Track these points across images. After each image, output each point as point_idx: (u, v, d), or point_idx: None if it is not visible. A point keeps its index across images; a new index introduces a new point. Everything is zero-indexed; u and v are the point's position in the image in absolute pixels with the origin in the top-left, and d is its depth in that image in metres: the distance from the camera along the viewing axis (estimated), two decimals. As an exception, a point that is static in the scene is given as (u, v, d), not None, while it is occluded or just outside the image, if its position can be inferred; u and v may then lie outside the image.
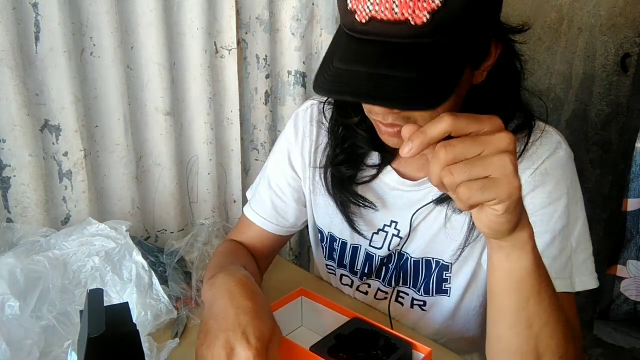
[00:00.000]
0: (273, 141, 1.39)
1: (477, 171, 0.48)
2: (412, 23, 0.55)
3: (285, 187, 0.96)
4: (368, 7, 0.56)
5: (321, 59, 0.62)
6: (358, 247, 0.93)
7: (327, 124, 0.89)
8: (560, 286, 0.72)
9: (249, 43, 1.31)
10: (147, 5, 1.07)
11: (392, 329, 0.75)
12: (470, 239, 0.81)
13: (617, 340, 2.11)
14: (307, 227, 1.01)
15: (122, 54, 1.06)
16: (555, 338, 0.61)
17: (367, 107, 0.70)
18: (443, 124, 0.48)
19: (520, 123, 0.77)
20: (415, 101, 0.55)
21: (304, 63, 1.37)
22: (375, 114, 0.67)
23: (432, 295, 0.89)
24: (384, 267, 0.92)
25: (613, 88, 2.05)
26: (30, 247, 0.92)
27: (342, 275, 0.99)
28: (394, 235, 0.88)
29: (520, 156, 0.76)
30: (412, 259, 0.88)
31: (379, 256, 0.91)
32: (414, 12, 0.54)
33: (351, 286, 0.99)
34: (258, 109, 1.38)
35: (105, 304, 0.55)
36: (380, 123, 0.69)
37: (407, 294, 0.92)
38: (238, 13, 1.24)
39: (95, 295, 0.55)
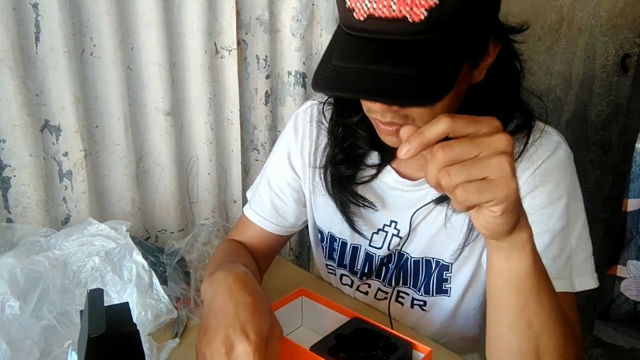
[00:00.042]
0: (273, 141, 1.39)
1: (474, 172, 0.48)
2: (410, 20, 0.55)
3: (285, 187, 0.96)
4: (366, 5, 0.57)
5: (321, 59, 0.62)
6: (358, 247, 0.93)
7: (327, 124, 0.89)
8: (560, 286, 0.72)
9: (249, 43, 1.31)
10: (147, 5, 1.07)
11: (392, 328, 0.75)
12: (470, 239, 0.82)
13: (617, 340, 2.11)
14: (306, 227, 1.01)
15: (122, 54, 1.06)
16: (555, 338, 0.61)
17: (365, 105, 0.70)
18: (441, 125, 0.48)
19: (520, 123, 0.77)
20: (413, 97, 0.56)
21: (303, 63, 1.37)
22: (374, 112, 0.67)
23: (432, 295, 0.89)
24: (384, 267, 0.92)
25: (613, 88, 2.05)
26: (30, 247, 0.92)
27: (342, 275, 0.99)
28: (393, 234, 0.88)
29: (519, 156, 0.76)
30: (412, 259, 0.88)
31: (379, 256, 0.91)
32: (411, 9, 0.55)
33: (351, 286, 0.99)
34: (258, 109, 1.38)
35: (105, 304, 0.55)
36: (378, 121, 0.69)
37: (407, 294, 0.92)
38: (238, 13, 1.24)
39: (95, 295, 0.55)
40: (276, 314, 0.69)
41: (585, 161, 2.15)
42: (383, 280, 0.93)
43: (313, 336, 0.81)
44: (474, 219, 0.53)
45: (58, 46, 0.97)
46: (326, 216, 0.94)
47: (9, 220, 1.02)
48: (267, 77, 1.35)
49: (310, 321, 0.86)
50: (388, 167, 0.86)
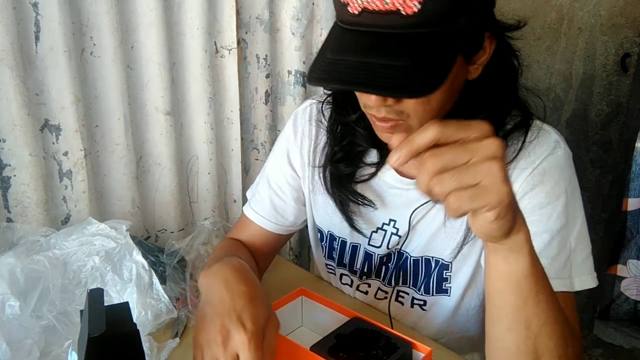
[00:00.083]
0: (273, 141, 1.39)
1: (466, 179, 0.48)
2: (403, 13, 0.56)
3: (285, 186, 0.96)
4: None
5: (320, 58, 0.62)
6: (357, 246, 0.93)
7: (326, 123, 0.89)
8: (559, 285, 0.72)
9: (249, 43, 1.31)
10: (147, 5, 1.07)
11: (392, 328, 0.75)
12: (469, 237, 0.82)
13: (617, 340, 2.11)
14: (306, 226, 1.01)
15: (122, 54, 1.06)
16: (554, 338, 0.61)
17: (361, 100, 0.70)
18: (430, 131, 0.48)
19: (518, 122, 0.77)
20: (406, 89, 0.56)
21: (303, 63, 1.37)
22: (369, 107, 0.68)
23: (432, 295, 0.89)
24: (384, 267, 0.92)
25: (613, 88, 2.05)
26: (30, 246, 0.92)
27: (341, 275, 0.99)
28: (392, 233, 0.88)
29: (517, 155, 0.76)
30: (412, 258, 0.88)
31: (378, 255, 0.91)
32: (404, 2, 0.55)
33: (351, 285, 0.99)
34: (258, 108, 1.38)
35: (105, 304, 0.55)
36: (374, 117, 0.69)
37: (407, 294, 0.92)
38: (238, 13, 1.24)
39: (95, 295, 0.55)
40: (276, 313, 0.69)
41: (585, 161, 2.15)
42: (383, 280, 0.93)
43: (313, 336, 0.80)
44: (470, 222, 0.53)
45: (58, 45, 0.97)
46: (325, 215, 0.94)
47: (9, 220, 1.02)
48: (267, 76, 1.35)
49: (310, 321, 0.86)
50: (387, 166, 0.86)
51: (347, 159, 0.86)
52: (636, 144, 1.87)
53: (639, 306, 2.05)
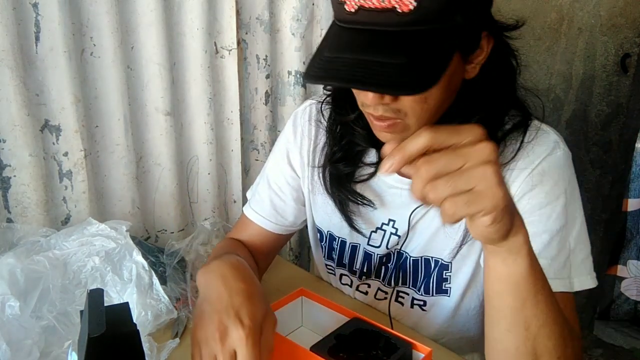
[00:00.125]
0: (273, 141, 1.39)
1: (460, 185, 0.47)
2: (399, 10, 0.56)
3: (284, 186, 0.96)
4: None
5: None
6: (357, 246, 0.93)
7: (325, 123, 0.89)
8: (559, 286, 0.72)
9: (249, 43, 1.31)
10: (147, 5, 1.07)
11: (392, 328, 0.75)
12: (468, 237, 0.82)
13: (617, 340, 2.11)
14: (306, 227, 1.01)
15: (122, 54, 1.06)
16: (553, 339, 0.61)
17: (359, 99, 0.70)
18: (422, 138, 0.48)
19: (517, 122, 0.77)
20: (402, 86, 0.56)
21: (303, 63, 1.37)
22: (367, 106, 0.68)
23: (432, 295, 0.89)
24: (383, 267, 0.92)
25: (613, 88, 2.05)
26: (30, 247, 0.92)
27: (341, 275, 0.99)
28: (391, 233, 0.88)
29: (515, 155, 0.76)
30: (411, 258, 0.88)
31: (378, 255, 0.91)
32: None
33: (351, 286, 0.99)
34: (258, 109, 1.38)
35: (106, 304, 0.55)
36: (371, 116, 0.69)
37: (407, 294, 0.92)
38: (238, 13, 1.24)
39: (96, 295, 0.55)
40: (276, 314, 0.69)
41: (585, 161, 2.15)
42: (383, 280, 0.93)
43: (313, 336, 0.81)
44: (468, 226, 0.53)
45: (58, 46, 0.97)
46: (325, 215, 0.94)
47: (9, 220, 1.02)
48: (267, 76, 1.35)
49: (310, 321, 0.86)
50: None
51: (346, 159, 0.86)
52: (636, 145, 1.87)
53: (639, 306, 2.05)
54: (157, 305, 0.88)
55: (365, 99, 0.66)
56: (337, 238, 0.95)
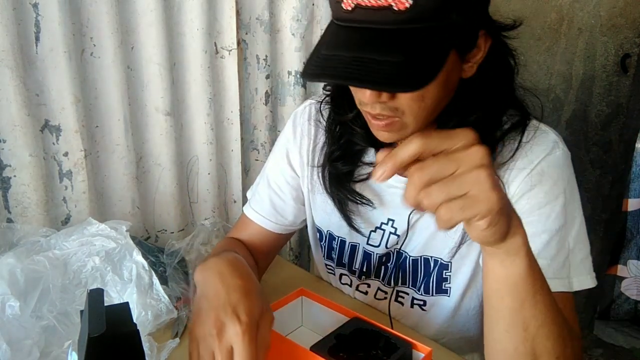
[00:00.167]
0: (273, 141, 1.39)
1: (454, 190, 0.47)
2: (395, 8, 0.57)
3: (284, 186, 0.96)
4: None
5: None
6: (356, 246, 0.93)
7: (325, 123, 0.90)
8: (558, 286, 0.73)
9: (249, 43, 1.31)
10: (147, 5, 1.07)
11: (392, 328, 0.75)
12: (467, 237, 0.82)
13: (617, 340, 2.11)
14: (306, 226, 1.01)
15: (122, 54, 1.06)
16: (552, 339, 0.61)
17: (356, 97, 0.71)
18: (413, 144, 0.48)
19: (515, 122, 0.77)
20: (398, 84, 0.57)
21: (303, 63, 1.37)
22: (364, 104, 0.68)
23: (432, 295, 0.89)
24: (383, 266, 0.92)
25: (613, 88, 2.05)
26: (30, 247, 0.92)
27: (341, 275, 0.99)
28: (390, 233, 0.88)
29: (513, 154, 0.76)
30: (411, 258, 0.88)
31: (377, 254, 0.91)
32: None
33: (350, 285, 0.99)
34: (258, 109, 1.38)
35: (106, 304, 0.55)
36: (369, 115, 0.69)
37: (407, 294, 0.92)
38: (238, 13, 1.24)
39: (96, 295, 0.55)
40: (276, 314, 0.69)
41: (585, 161, 2.15)
42: (382, 280, 0.94)
43: (313, 336, 0.81)
44: (466, 229, 0.53)
45: (58, 46, 0.97)
46: (324, 214, 0.94)
47: (9, 220, 1.02)
48: (267, 77, 1.35)
49: (310, 321, 0.86)
50: None
51: (345, 158, 0.86)
52: (636, 145, 1.87)
53: (639, 306, 2.05)
54: (157, 305, 0.88)
55: (363, 97, 0.66)
56: (337, 237, 0.95)
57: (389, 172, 0.49)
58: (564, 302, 0.70)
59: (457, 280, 0.87)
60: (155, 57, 1.11)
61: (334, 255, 0.97)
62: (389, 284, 0.93)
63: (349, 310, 0.79)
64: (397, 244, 0.89)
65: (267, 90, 1.36)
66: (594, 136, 2.13)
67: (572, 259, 0.75)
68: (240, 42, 1.28)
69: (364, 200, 0.87)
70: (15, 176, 1.00)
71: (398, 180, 0.85)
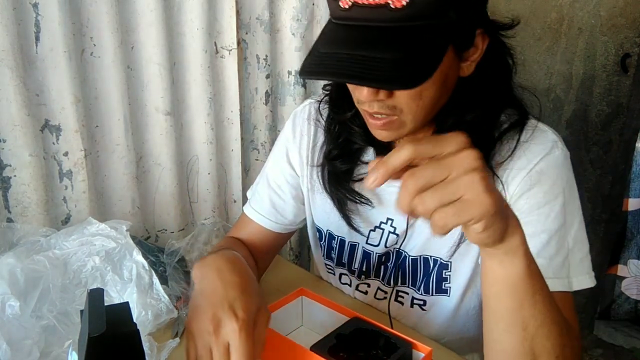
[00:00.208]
0: (273, 141, 1.39)
1: (447, 195, 0.47)
2: (392, 6, 0.57)
3: (284, 185, 0.96)
4: None
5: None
6: (355, 245, 0.93)
7: (324, 122, 0.90)
8: (558, 285, 0.73)
9: (249, 43, 1.31)
10: (147, 5, 1.07)
11: (392, 328, 0.75)
12: (465, 236, 0.82)
13: (617, 340, 2.11)
14: (306, 226, 1.01)
15: (122, 54, 1.06)
16: (551, 338, 0.61)
17: (354, 96, 0.71)
18: (404, 151, 0.48)
19: (514, 121, 0.77)
20: (395, 81, 0.57)
21: (303, 63, 1.36)
22: (362, 102, 0.68)
23: (432, 295, 0.89)
24: (383, 266, 0.92)
25: (613, 88, 2.05)
26: (30, 246, 0.92)
27: (341, 275, 0.99)
28: (390, 232, 0.88)
29: (511, 153, 0.76)
30: (410, 257, 0.88)
31: (376, 253, 0.91)
32: None
33: (350, 285, 0.99)
34: (258, 108, 1.38)
35: (106, 304, 0.55)
36: (367, 113, 0.70)
37: (407, 293, 0.92)
38: (238, 13, 1.24)
39: (96, 295, 0.55)
40: (276, 314, 0.69)
41: (585, 161, 2.15)
42: (382, 280, 0.94)
43: (313, 336, 0.81)
44: (463, 231, 0.53)
45: (58, 46, 0.97)
46: (324, 214, 0.94)
47: (9, 220, 1.02)
48: (267, 76, 1.35)
49: (310, 321, 0.86)
50: None
51: (343, 156, 0.86)
52: (636, 144, 1.86)
53: (639, 306, 2.06)
54: (157, 304, 0.88)
55: (360, 96, 0.66)
56: (336, 237, 0.95)
57: (381, 178, 0.49)
58: (564, 301, 0.70)
59: (457, 280, 0.87)
60: (155, 57, 1.11)
61: (333, 255, 0.97)
62: (388, 283, 0.93)
63: (349, 310, 0.79)
64: (396, 243, 0.89)
65: (267, 90, 1.36)
66: (594, 136, 2.13)
67: (571, 259, 0.75)
68: (240, 42, 1.28)
69: (362, 200, 0.87)
70: (15, 176, 1.00)
71: (397, 180, 0.85)
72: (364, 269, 0.94)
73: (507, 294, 0.59)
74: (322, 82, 0.97)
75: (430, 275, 0.88)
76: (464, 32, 0.66)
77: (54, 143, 1.03)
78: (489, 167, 0.75)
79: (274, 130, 1.42)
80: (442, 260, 0.86)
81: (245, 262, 0.74)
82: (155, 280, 0.91)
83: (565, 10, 2.01)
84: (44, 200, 1.03)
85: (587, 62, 2.05)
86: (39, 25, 0.95)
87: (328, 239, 0.96)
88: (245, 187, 1.31)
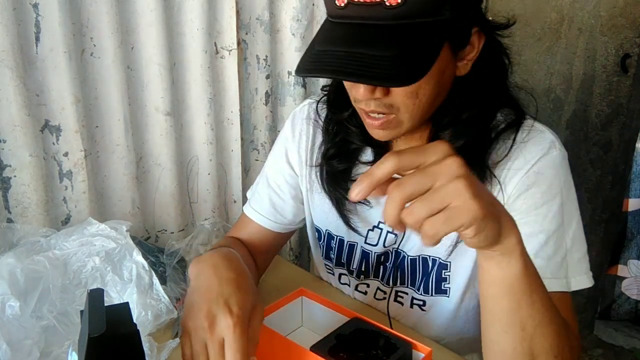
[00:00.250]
0: (273, 141, 1.38)
1: (435, 204, 0.47)
2: (387, 4, 0.58)
3: (283, 185, 0.96)
4: None
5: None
6: (354, 245, 0.93)
7: (322, 122, 0.90)
8: (556, 286, 0.73)
9: (249, 43, 1.31)
10: (147, 5, 1.07)
11: (392, 328, 0.75)
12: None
13: (617, 340, 2.11)
14: (306, 226, 1.01)
15: (122, 54, 1.06)
16: (550, 338, 0.61)
17: (351, 94, 0.71)
18: (387, 163, 0.48)
19: (511, 120, 0.77)
20: (390, 78, 0.58)
21: (302, 62, 1.36)
22: (358, 101, 0.69)
23: (432, 295, 0.89)
24: (382, 266, 0.92)
25: (613, 88, 2.05)
26: (31, 247, 0.92)
27: (340, 275, 0.99)
28: (388, 232, 0.88)
29: (507, 153, 0.76)
30: (409, 257, 0.88)
31: (375, 253, 0.91)
32: None
33: (350, 285, 0.99)
34: (258, 109, 1.38)
35: (106, 304, 0.55)
36: (364, 113, 0.70)
37: (407, 293, 0.92)
38: (238, 13, 1.24)
39: (96, 295, 0.55)
40: (276, 314, 0.69)
41: (585, 161, 2.15)
42: (382, 280, 0.94)
43: (313, 336, 0.81)
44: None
45: (58, 46, 0.97)
46: (323, 213, 0.94)
47: (9, 220, 1.02)
48: (267, 77, 1.35)
49: (310, 321, 0.86)
50: None
51: (340, 156, 0.86)
52: (636, 145, 1.87)
53: (640, 306, 2.06)
54: (157, 305, 0.88)
55: (357, 94, 0.66)
56: (335, 237, 0.95)
57: (365, 191, 0.49)
58: (562, 301, 0.70)
59: (457, 280, 0.87)
60: (155, 57, 1.11)
61: (332, 255, 0.97)
62: (387, 283, 0.93)
63: (349, 310, 0.79)
64: (394, 243, 0.89)
65: (267, 90, 1.36)
66: (594, 136, 2.13)
67: (569, 259, 0.75)
68: (240, 42, 1.28)
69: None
70: (15, 176, 1.00)
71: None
72: (362, 269, 0.94)
73: (505, 294, 0.59)
74: (322, 83, 0.97)
75: (429, 275, 0.88)
76: (459, 30, 0.66)
77: (54, 143, 1.03)
78: (486, 166, 0.75)
79: (274, 131, 1.42)
80: (441, 260, 0.86)
81: (241, 259, 0.74)
82: (155, 280, 0.91)
83: (565, 11, 2.01)
84: (44, 201, 1.03)
85: (587, 62, 2.05)
86: (39, 26, 0.95)
87: (327, 239, 0.96)
88: (245, 187, 1.31)
